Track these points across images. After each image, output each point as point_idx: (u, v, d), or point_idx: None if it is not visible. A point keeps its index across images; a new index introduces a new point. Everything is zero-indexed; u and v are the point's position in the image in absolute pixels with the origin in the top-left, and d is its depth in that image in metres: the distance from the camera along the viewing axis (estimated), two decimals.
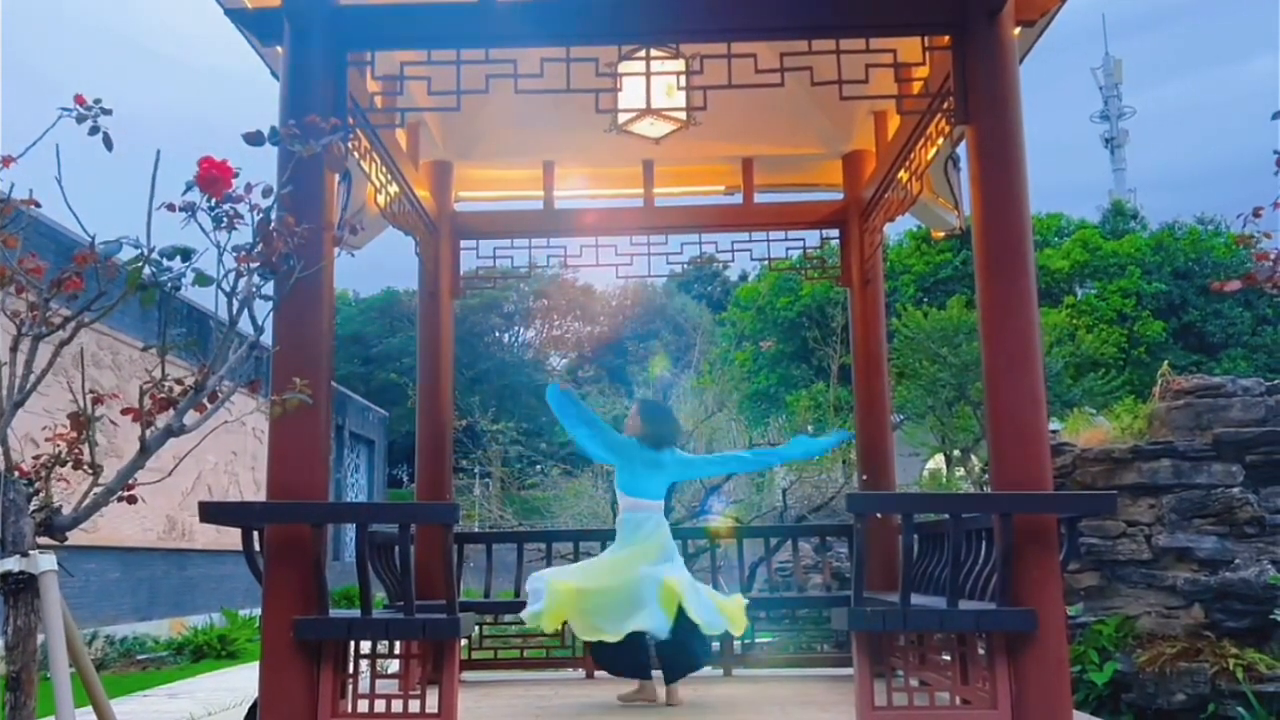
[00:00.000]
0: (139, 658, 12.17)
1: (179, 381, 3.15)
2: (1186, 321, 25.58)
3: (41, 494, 3.25)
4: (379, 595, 5.48)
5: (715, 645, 6.45)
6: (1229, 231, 25.40)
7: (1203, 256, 26.20)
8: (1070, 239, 27.28)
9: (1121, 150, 61.15)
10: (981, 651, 4.38)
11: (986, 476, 4.72)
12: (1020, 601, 4.15)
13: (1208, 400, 6.66)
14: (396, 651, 4.94)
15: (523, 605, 5.92)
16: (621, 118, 5.53)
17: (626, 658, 5.35)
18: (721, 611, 5.19)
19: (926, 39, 4.87)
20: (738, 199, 7.29)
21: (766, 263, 7.46)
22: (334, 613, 4.37)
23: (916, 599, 4.58)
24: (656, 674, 5.37)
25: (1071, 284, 26.31)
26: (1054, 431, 7.39)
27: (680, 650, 5.26)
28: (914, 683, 4.86)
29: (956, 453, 19.31)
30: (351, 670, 4.47)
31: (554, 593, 5.14)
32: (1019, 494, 4.24)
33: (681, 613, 5.06)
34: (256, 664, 4.30)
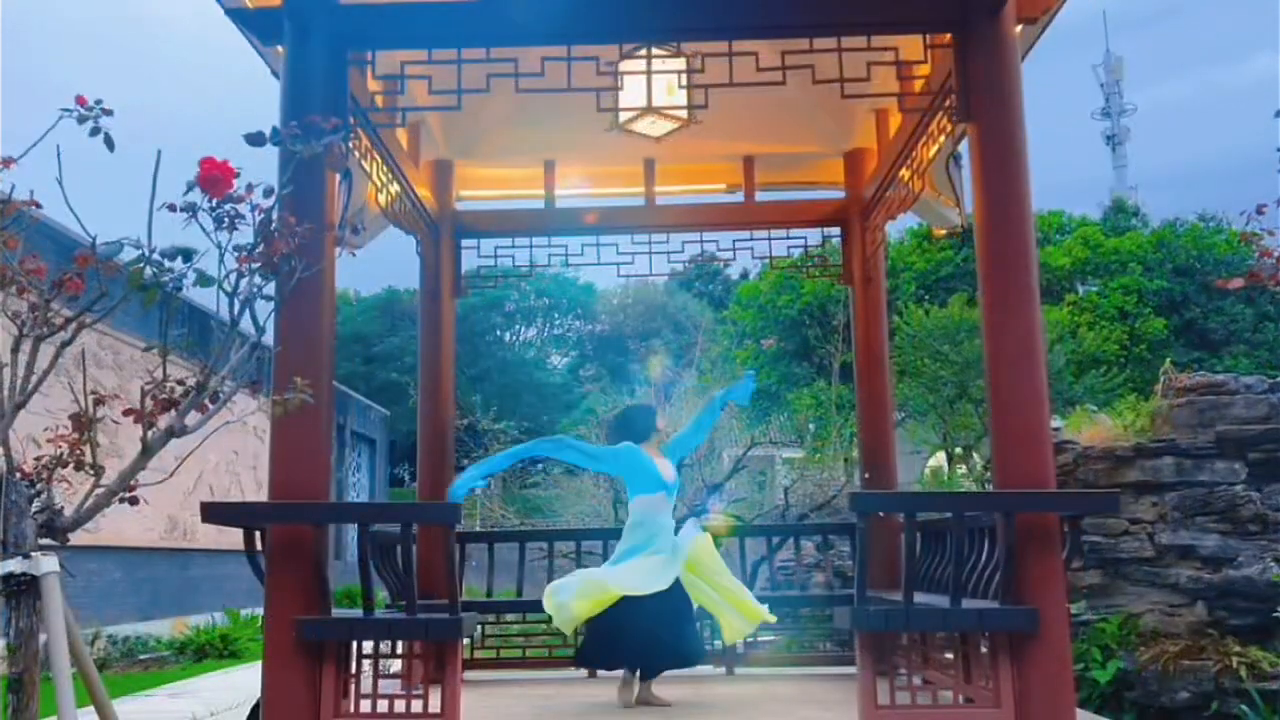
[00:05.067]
0: (141, 658, 12.18)
1: (180, 382, 3.15)
2: (1188, 319, 25.54)
3: (43, 495, 3.24)
4: (381, 595, 5.47)
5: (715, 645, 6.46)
6: (1230, 229, 25.37)
7: (1204, 253, 26.15)
8: (1071, 236, 27.24)
9: (1123, 147, 61.04)
10: (984, 650, 4.37)
11: (989, 474, 4.72)
12: (1023, 600, 4.15)
13: (1210, 398, 6.65)
14: (399, 651, 4.94)
15: (526, 604, 5.93)
16: (623, 116, 5.52)
17: (612, 651, 5.33)
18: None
19: (928, 37, 4.85)
20: (739, 197, 7.28)
21: (768, 261, 7.46)
22: (336, 612, 4.37)
23: (919, 597, 4.57)
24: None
25: (1073, 281, 26.27)
26: (1056, 429, 7.38)
27: (662, 645, 5.25)
28: (917, 681, 4.84)
29: (959, 450, 19.29)
30: (354, 670, 4.46)
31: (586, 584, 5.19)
32: (1021, 493, 4.24)
33: (666, 607, 5.07)
34: (259, 664, 4.31)
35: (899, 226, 25.58)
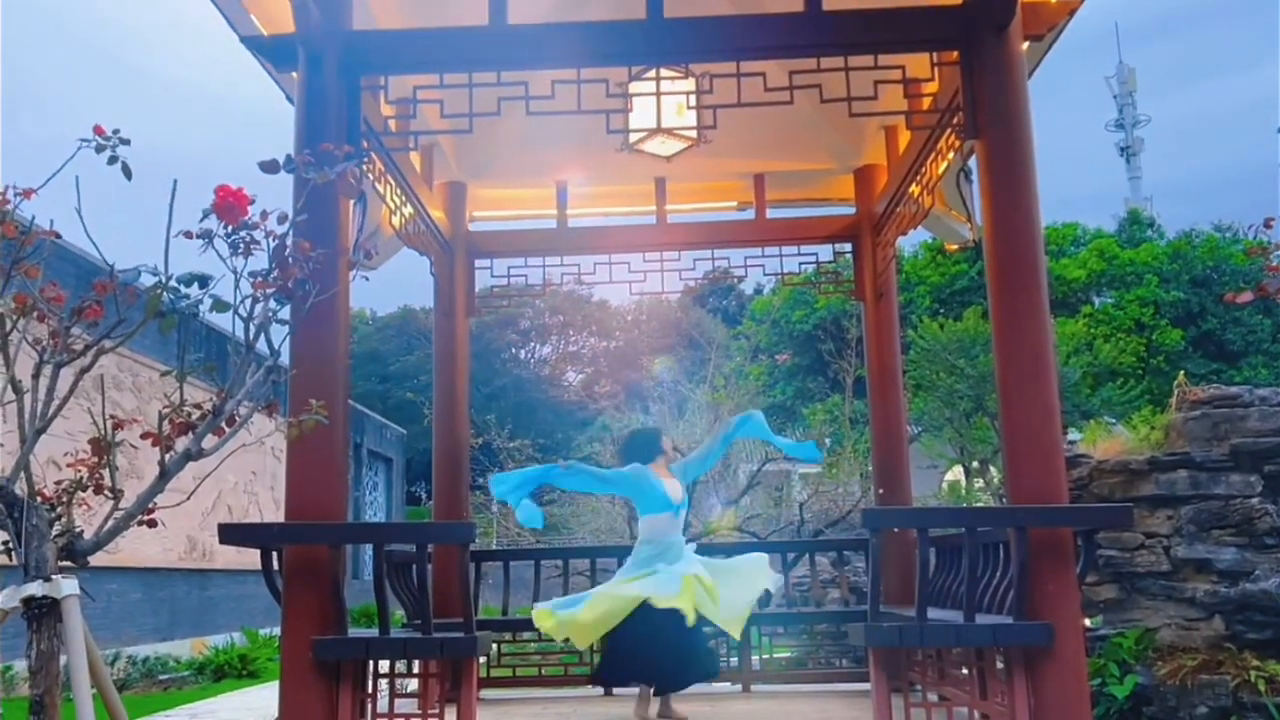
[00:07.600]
0: (161, 678, 12.22)
1: (198, 406, 3.19)
2: (1205, 330, 25.42)
3: (63, 519, 3.29)
4: (397, 614, 5.51)
5: (730, 660, 6.47)
6: (1246, 239, 25.27)
7: (1221, 264, 26.06)
8: (1087, 248, 27.16)
9: (1137, 158, 60.92)
10: (1000, 665, 4.37)
11: (1005, 488, 4.72)
12: (1037, 615, 4.15)
13: (1224, 410, 6.61)
14: (415, 670, 4.96)
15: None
16: (633, 137, 5.57)
17: (632, 667, 5.34)
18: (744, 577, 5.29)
19: (935, 55, 4.89)
20: (750, 214, 7.31)
21: (780, 277, 7.48)
22: (353, 632, 4.40)
23: (933, 613, 4.57)
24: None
25: (1089, 293, 26.20)
26: (1072, 442, 7.35)
27: (683, 661, 5.26)
28: (932, 698, 4.85)
29: (975, 464, 19.23)
30: (370, 689, 4.50)
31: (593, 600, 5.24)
32: (1034, 508, 4.24)
33: (684, 623, 5.10)
34: (277, 683, 4.34)
35: (913, 240, 25.63)
